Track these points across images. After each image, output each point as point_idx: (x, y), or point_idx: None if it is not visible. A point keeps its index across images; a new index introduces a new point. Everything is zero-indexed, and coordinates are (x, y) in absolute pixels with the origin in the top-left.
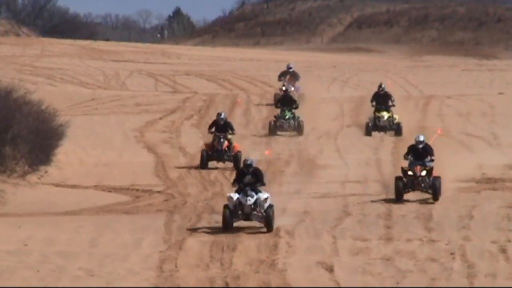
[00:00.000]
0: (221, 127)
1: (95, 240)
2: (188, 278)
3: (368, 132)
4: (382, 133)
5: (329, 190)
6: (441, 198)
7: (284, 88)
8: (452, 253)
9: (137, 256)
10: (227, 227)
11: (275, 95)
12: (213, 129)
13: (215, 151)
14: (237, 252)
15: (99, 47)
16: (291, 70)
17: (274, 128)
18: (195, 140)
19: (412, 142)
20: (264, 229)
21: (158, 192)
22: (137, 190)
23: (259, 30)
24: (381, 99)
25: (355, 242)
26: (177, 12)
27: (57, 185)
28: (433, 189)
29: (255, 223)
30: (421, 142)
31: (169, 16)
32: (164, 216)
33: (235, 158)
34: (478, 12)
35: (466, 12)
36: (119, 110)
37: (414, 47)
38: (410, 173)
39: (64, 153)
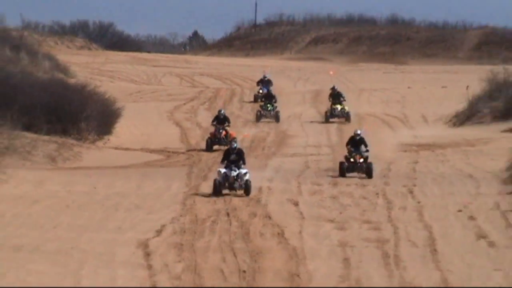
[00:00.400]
0: (221, 120)
1: (140, 184)
2: (202, 209)
3: (326, 120)
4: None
5: (295, 151)
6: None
7: (260, 91)
8: (377, 193)
9: (168, 195)
10: (216, 194)
11: (255, 95)
12: (214, 122)
13: (216, 139)
14: (234, 194)
15: (143, 57)
16: (266, 78)
17: (259, 117)
18: (207, 118)
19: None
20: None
21: (182, 153)
22: (168, 151)
23: (249, 45)
24: (335, 97)
25: (312, 186)
26: (195, 34)
27: (115, 148)
28: (368, 171)
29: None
30: (358, 134)
31: (190, 36)
32: (186, 169)
33: (232, 142)
34: (394, 33)
35: (386, 34)
36: (156, 99)
37: (352, 57)
38: (351, 160)
39: (120, 127)
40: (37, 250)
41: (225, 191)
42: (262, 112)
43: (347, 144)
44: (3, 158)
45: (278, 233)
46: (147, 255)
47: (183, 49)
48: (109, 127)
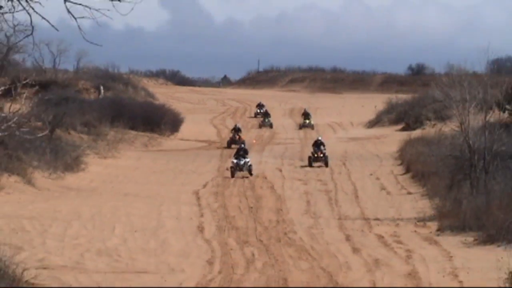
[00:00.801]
0: (236, 130)
1: (195, 159)
2: (228, 174)
3: (299, 128)
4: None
5: (280, 141)
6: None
7: (258, 111)
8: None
9: (210, 166)
10: (233, 176)
11: (254, 113)
12: (233, 131)
13: (233, 141)
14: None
15: (196, 89)
16: (260, 103)
17: (261, 126)
18: (231, 123)
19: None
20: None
21: (217, 142)
22: (209, 142)
23: (255, 83)
24: (306, 115)
25: (289, 161)
26: (225, 76)
27: (180, 139)
28: (325, 162)
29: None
30: (319, 140)
31: (222, 78)
32: (219, 152)
33: (243, 143)
34: (335, 76)
35: (331, 77)
36: (203, 112)
37: (311, 90)
38: (315, 155)
39: (183, 127)
40: (137, 196)
41: (237, 174)
42: (262, 123)
43: (313, 145)
44: (118, 144)
45: (270, 187)
46: (198, 198)
47: (218, 85)
48: (177, 128)
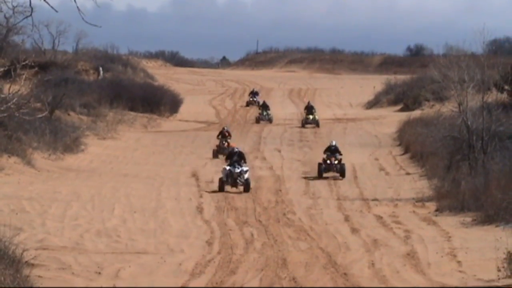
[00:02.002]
0: (224, 135)
1: (194, 140)
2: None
3: (302, 126)
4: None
5: (279, 122)
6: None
7: (251, 99)
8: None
9: (209, 146)
10: (221, 190)
11: (247, 102)
12: (219, 136)
13: (221, 149)
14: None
15: (195, 71)
16: (254, 91)
17: (258, 120)
18: (231, 104)
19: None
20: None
21: (216, 123)
22: (208, 122)
23: (254, 64)
24: (309, 109)
25: (288, 141)
26: (224, 57)
27: (179, 120)
28: (341, 171)
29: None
30: (333, 145)
31: (221, 59)
32: (219, 130)
33: (233, 148)
34: (334, 57)
35: (330, 58)
36: (202, 93)
37: (310, 71)
38: (328, 162)
39: (182, 108)
40: (136, 176)
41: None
42: (260, 117)
43: (325, 151)
44: (117, 126)
45: (270, 167)
46: (197, 179)
47: (217, 66)
48: (176, 109)
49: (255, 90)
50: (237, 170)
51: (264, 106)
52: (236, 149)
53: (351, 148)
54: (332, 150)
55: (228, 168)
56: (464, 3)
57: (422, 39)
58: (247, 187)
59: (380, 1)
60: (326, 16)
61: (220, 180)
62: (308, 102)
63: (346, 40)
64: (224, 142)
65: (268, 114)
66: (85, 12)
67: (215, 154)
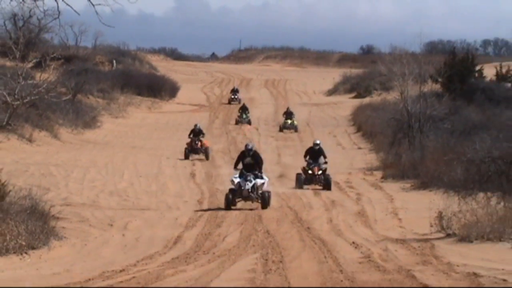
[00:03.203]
0: (196, 133)
1: (189, 119)
2: (219, 138)
3: (280, 130)
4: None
5: (257, 106)
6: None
7: (232, 96)
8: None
9: (202, 123)
10: (228, 208)
11: (228, 99)
12: (191, 135)
13: (193, 149)
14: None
15: (190, 64)
16: (235, 88)
17: (238, 123)
18: (218, 91)
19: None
20: None
21: (207, 106)
22: (201, 105)
23: (237, 59)
24: (288, 114)
25: (264, 126)
26: (213, 54)
27: (177, 103)
28: (327, 184)
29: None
30: (317, 144)
31: (211, 55)
32: (209, 112)
33: (206, 151)
34: (301, 54)
35: (298, 54)
36: (195, 82)
37: (282, 65)
38: (309, 172)
39: (180, 94)
40: (142, 148)
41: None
42: (238, 119)
43: (305, 155)
44: (127, 107)
45: (250, 141)
46: None
47: (208, 60)
48: (174, 94)
49: (235, 87)
50: (248, 185)
51: (244, 109)
52: (250, 146)
53: (314, 127)
54: (315, 153)
55: (237, 180)
56: (408, 12)
57: (373, 40)
58: (264, 202)
59: (341, 10)
60: (297, 21)
61: (227, 196)
62: (288, 108)
63: (312, 40)
64: (196, 141)
65: (247, 117)
66: (103, 16)
67: (187, 155)
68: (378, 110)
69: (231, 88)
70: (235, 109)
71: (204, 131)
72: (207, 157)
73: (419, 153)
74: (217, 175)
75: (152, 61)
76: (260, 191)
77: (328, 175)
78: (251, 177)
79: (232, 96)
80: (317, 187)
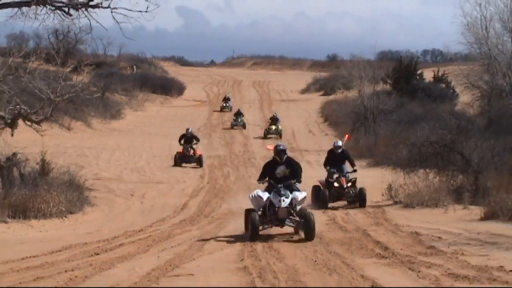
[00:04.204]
0: (188, 139)
1: (192, 112)
2: (217, 125)
3: (265, 136)
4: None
5: (246, 102)
6: None
7: (224, 104)
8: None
9: (202, 118)
10: (254, 235)
11: (221, 107)
12: (182, 141)
13: (185, 156)
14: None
15: (193, 68)
16: (227, 96)
17: (232, 126)
18: (216, 89)
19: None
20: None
21: (206, 101)
22: (202, 101)
23: (231, 64)
24: (273, 120)
25: (252, 126)
26: (212, 60)
27: (184, 100)
28: (360, 198)
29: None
30: (339, 147)
31: (210, 61)
32: (208, 108)
33: (199, 159)
34: (280, 61)
35: (278, 61)
36: (199, 82)
37: (265, 70)
38: (336, 184)
39: (185, 92)
40: (156, 135)
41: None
42: (234, 123)
43: (325, 163)
44: (144, 102)
45: (240, 130)
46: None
47: (208, 66)
48: (181, 92)
49: (227, 96)
50: (285, 202)
51: (238, 114)
52: (282, 147)
53: (292, 118)
54: (338, 159)
55: (266, 196)
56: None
57: (337, 50)
58: (309, 232)
59: (312, 26)
60: (278, 35)
61: (252, 218)
62: (274, 114)
63: (289, 50)
64: (189, 148)
65: (242, 120)
66: (125, 31)
67: (176, 162)
68: (341, 105)
69: (226, 87)
70: (229, 113)
71: (198, 136)
72: (200, 165)
73: (373, 138)
74: (215, 155)
75: (164, 67)
76: (298, 213)
77: (362, 188)
78: (285, 190)
79: (224, 104)
80: (344, 202)
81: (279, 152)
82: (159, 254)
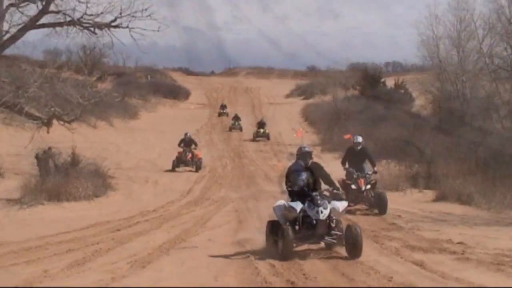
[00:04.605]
0: (187, 142)
1: (193, 113)
2: (216, 125)
3: (254, 139)
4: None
5: (240, 106)
6: None
7: (221, 111)
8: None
9: (204, 118)
10: (288, 254)
11: (218, 113)
12: (182, 145)
13: (183, 161)
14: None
15: (197, 77)
16: (223, 104)
17: (231, 129)
18: (215, 95)
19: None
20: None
21: (207, 104)
22: (204, 104)
23: (228, 74)
24: (260, 124)
25: (246, 125)
26: (212, 71)
27: (189, 103)
28: (380, 204)
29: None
30: (359, 143)
31: (211, 71)
32: (208, 109)
33: (197, 163)
34: (270, 71)
35: (267, 71)
36: (200, 89)
37: (256, 78)
38: (353, 187)
39: (191, 97)
40: (166, 132)
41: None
42: (232, 126)
43: (344, 160)
44: (157, 105)
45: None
46: (197, 132)
47: (209, 75)
48: (187, 97)
49: (224, 104)
50: (323, 214)
51: (236, 118)
52: (306, 149)
53: (279, 119)
54: (357, 157)
55: (300, 207)
56: (338, 43)
57: (315, 62)
58: (355, 248)
59: (295, 43)
60: (267, 49)
61: (282, 233)
62: (261, 119)
63: (276, 62)
64: (187, 152)
65: (239, 124)
66: (141, 46)
67: (174, 166)
68: (319, 107)
69: (224, 92)
70: (226, 118)
71: (196, 140)
72: (197, 169)
73: (345, 134)
74: (215, 148)
75: (173, 76)
76: (336, 229)
77: (382, 192)
78: (322, 199)
79: (221, 111)
80: (363, 207)
81: (303, 155)
82: (169, 230)
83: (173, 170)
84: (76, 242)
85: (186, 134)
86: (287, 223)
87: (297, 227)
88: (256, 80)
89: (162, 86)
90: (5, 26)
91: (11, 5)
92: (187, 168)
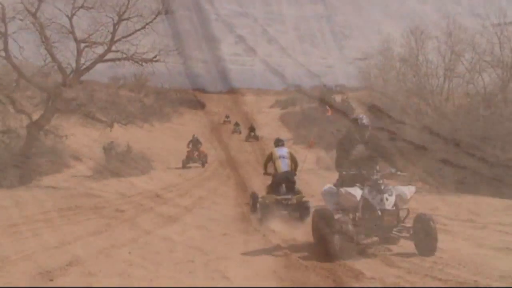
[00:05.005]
0: (194, 143)
1: (193, 117)
2: (221, 127)
3: (246, 139)
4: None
5: (234, 108)
6: None
7: (225, 120)
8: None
9: (214, 121)
10: (347, 252)
11: (224, 121)
12: (190, 145)
13: (191, 158)
14: None
15: (210, 94)
16: (227, 115)
17: (233, 133)
18: (219, 107)
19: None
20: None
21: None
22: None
23: (230, 92)
24: (251, 129)
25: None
26: (220, 90)
27: (205, 113)
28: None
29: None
30: (366, 125)
31: (219, 91)
32: (212, 117)
33: (203, 159)
34: (262, 91)
35: (257, 91)
36: (212, 102)
37: (253, 95)
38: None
39: (206, 107)
40: (189, 131)
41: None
42: (234, 131)
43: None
44: (183, 113)
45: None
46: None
47: (219, 92)
48: (204, 108)
49: (227, 115)
50: (389, 202)
51: (237, 124)
52: (365, 121)
53: (262, 122)
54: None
55: (360, 193)
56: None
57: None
58: (430, 243)
59: (284, 60)
60: (257, 73)
61: (339, 226)
62: (251, 124)
63: (268, 83)
64: (194, 151)
65: (239, 128)
66: (172, 73)
67: (184, 164)
68: (292, 115)
69: (227, 104)
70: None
71: (200, 140)
72: (203, 164)
73: (311, 133)
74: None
75: (194, 93)
76: (406, 229)
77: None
78: (385, 185)
79: (226, 119)
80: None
81: (361, 127)
82: (191, 196)
83: (183, 167)
84: (128, 204)
85: (193, 136)
86: (343, 214)
87: (357, 218)
88: (250, 95)
89: (186, 100)
90: (82, 60)
91: (86, 46)
92: (195, 164)
